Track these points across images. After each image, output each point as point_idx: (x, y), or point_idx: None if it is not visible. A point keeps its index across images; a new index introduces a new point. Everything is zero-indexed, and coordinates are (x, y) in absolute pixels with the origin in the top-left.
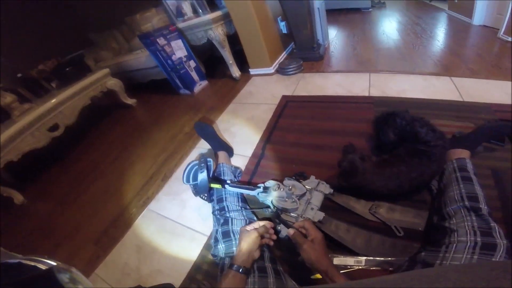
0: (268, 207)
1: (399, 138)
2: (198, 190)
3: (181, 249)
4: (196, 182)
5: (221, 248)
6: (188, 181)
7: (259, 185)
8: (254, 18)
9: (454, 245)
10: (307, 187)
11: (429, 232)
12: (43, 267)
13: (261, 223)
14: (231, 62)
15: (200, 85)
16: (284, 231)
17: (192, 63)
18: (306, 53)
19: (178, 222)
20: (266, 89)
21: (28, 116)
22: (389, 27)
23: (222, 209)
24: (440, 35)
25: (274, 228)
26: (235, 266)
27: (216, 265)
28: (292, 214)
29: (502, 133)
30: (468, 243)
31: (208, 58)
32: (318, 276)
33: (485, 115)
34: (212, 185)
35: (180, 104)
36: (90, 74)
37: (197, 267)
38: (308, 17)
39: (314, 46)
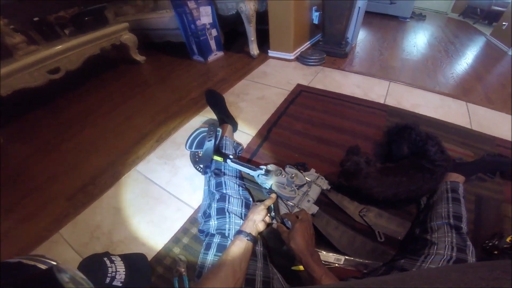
0: (265, 189)
1: (408, 151)
2: (199, 160)
3: (163, 219)
4: (199, 149)
5: (213, 224)
6: (191, 147)
7: (261, 166)
8: (291, 1)
9: (432, 256)
10: (307, 179)
11: (407, 242)
12: (43, 266)
13: (267, 202)
14: (252, 39)
15: (216, 55)
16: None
17: (214, 32)
18: (332, 48)
19: (166, 189)
20: (282, 73)
21: (31, 57)
22: (422, 40)
23: (219, 184)
24: (471, 57)
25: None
26: (244, 232)
27: (200, 241)
28: (288, 202)
29: (497, 169)
30: (445, 257)
31: (229, 30)
32: (301, 267)
33: (487, 147)
34: (215, 157)
35: (191, 70)
36: (108, 26)
37: (176, 240)
38: (347, 13)
39: (342, 43)
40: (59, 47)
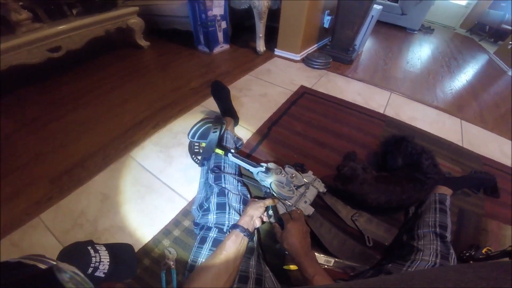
0: (263, 186)
1: (403, 163)
2: (202, 151)
3: (154, 209)
4: (201, 140)
5: (212, 218)
6: (193, 137)
7: (261, 164)
8: (306, 3)
9: (418, 262)
10: (304, 180)
11: (394, 247)
12: (43, 266)
13: (267, 201)
14: (261, 35)
15: (222, 47)
16: (272, 218)
17: (223, 24)
18: (339, 53)
19: (159, 178)
20: (287, 73)
21: (33, 34)
22: (427, 53)
23: (218, 178)
24: (471, 74)
25: (266, 210)
26: (240, 227)
27: (192, 234)
28: (286, 202)
29: (482, 185)
30: (429, 263)
31: (237, 24)
32: (292, 267)
33: (474, 165)
34: (216, 150)
35: (195, 59)
36: (116, 8)
37: (166, 232)
38: (359, 21)
39: (350, 49)
40: (63, 26)
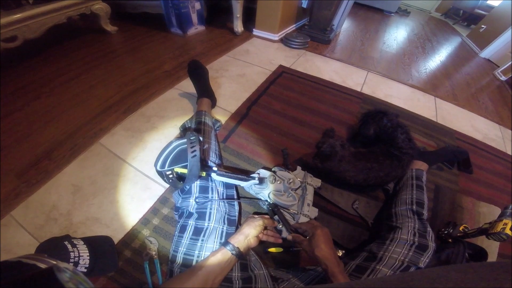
0: (259, 199)
1: (377, 136)
2: (185, 181)
3: (129, 198)
4: (174, 166)
5: (193, 202)
6: (163, 166)
7: (252, 175)
8: None
9: (397, 240)
10: (299, 180)
11: (377, 226)
12: (42, 265)
13: (266, 220)
14: (238, 15)
15: (196, 29)
16: (285, 233)
17: (197, 5)
18: (317, 33)
19: (133, 165)
20: (265, 53)
21: None
22: (402, 35)
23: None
24: (444, 55)
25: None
26: (230, 245)
27: (172, 222)
28: (290, 210)
29: (455, 159)
30: (408, 242)
31: (213, 5)
32: (275, 249)
33: (447, 140)
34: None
35: (167, 42)
36: None
37: (145, 221)
38: (337, 1)
39: (328, 30)
40: (18, 15)
